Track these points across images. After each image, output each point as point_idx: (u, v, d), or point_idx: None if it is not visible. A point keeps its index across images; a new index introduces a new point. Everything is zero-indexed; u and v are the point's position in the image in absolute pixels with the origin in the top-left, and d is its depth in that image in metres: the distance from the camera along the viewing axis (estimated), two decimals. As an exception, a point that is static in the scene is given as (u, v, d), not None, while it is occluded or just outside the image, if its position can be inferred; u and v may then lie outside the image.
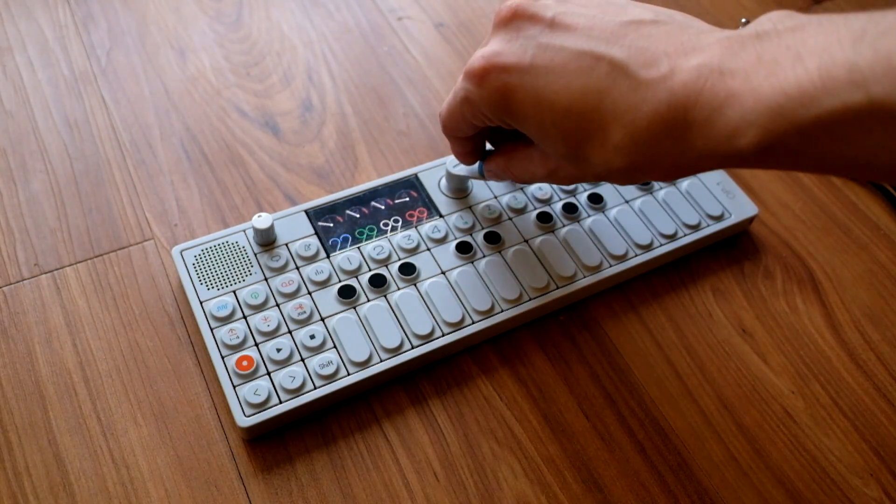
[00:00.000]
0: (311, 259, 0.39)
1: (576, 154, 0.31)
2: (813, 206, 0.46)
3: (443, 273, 0.40)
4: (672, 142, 0.28)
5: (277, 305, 0.38)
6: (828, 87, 0.23)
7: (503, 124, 0.33)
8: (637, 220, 0.42)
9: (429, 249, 0.40)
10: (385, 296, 0.39)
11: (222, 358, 0.36)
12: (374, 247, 0.40)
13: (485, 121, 0.34)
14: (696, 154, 0.27)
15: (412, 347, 0.37)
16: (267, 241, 0.40)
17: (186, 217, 0.43)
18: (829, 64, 0.23)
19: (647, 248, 0.42)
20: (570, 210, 0.42)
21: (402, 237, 0.41)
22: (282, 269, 0.39)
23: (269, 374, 0.36)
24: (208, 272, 0.39)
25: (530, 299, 0.39)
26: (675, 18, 0.30)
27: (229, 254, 0.39)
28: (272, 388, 0.35)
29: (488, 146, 0.39)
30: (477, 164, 0.39)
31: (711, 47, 0.27)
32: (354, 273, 0.39)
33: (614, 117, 0.29)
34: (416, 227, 0.41)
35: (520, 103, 0.31)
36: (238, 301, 0.38)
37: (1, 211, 0.43)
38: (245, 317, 0.37)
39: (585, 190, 0.44)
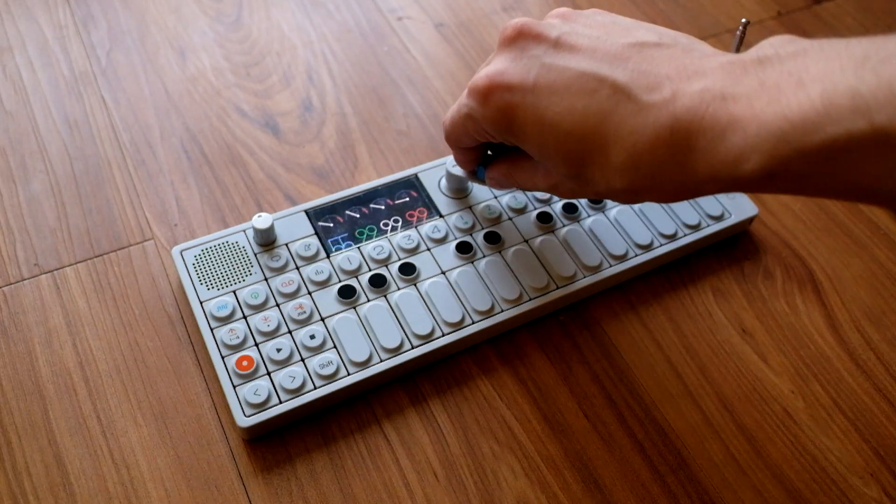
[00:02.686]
0: (311, 259, 0.39)
1: (577, 174, 0.31)
2: (813, 206, 0.46)
3: (443, 273, 0.40)
4: (674, 166, 0.28)
5: (277, 305, 0.38)
6: (831, 114, 0.23)
7: (505, 141, 0.33)
8: (637, 220, 0.42)
9: (429, 249, 0.40)
10: (385, 296, 0.39)
11: (222, 358, 0.36)
12: (374, 247, 0.40)
13: (487, 137, 0.34)
14: (698, 178, 0.27)
15: (412, 347, 0.37)
16: (267, 241, 0.40)
17: (186, 217, 0.43)
18: (832, 90, 0.23)
19: (647, 248, 0.42)
20: (570, 210, 0.42)
21: (402, 237, 0.41)
22: (282, 269, 0.39)
23: (269, 374, 0.36)
24: (208, 272, 0.39)
25: (530, 299, 0.39)
26: (679, 41, 0.30)
27: (229, 254, 0.39)
28: (272, 388, 0.35)
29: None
30: (478, 169, 0.39)
31: (714, 72, 0.27)
32: (354, 273, 0.39)
33: (616, 139, 0.29)
34: (416, 227, 0.41)
35: (522, 123, 0.31)
36: (238, 301, 0.38)
37: (1, 211, 0.43)
38: (245, 317, 0.37)
39: (585, 190, 0.44)
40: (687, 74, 0.28)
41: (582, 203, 0.43)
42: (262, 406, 0.35)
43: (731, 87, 0.26)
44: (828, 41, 0.25)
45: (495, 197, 0.43)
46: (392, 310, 0.38)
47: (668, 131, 0.27)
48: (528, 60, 0.31)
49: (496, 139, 0.34)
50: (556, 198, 0.43)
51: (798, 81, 0.24)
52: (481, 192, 0.43)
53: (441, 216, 0.42)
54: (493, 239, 0.41)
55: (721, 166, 0.26)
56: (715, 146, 0.26)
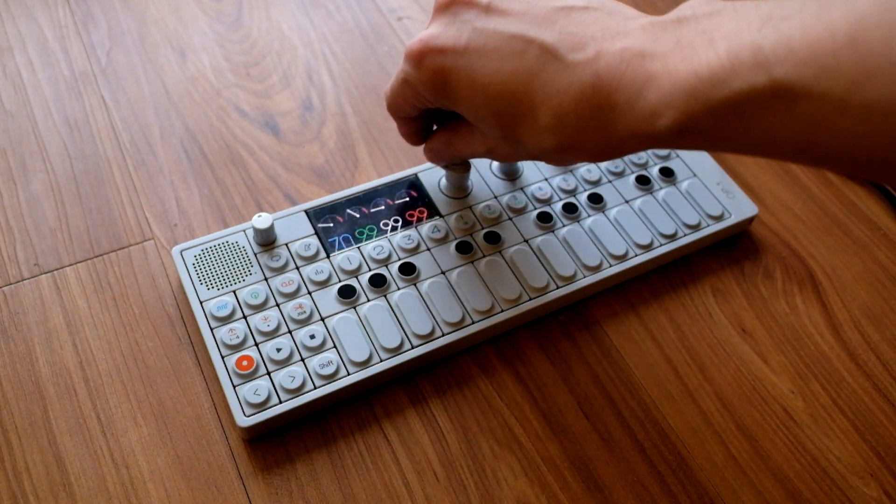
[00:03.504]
0: (311, 259, 0.39)
1: (509, 135, 0.32)
2: (813, 206, 0.46)
3: (443, 273, 0.40)
4: (597, 123, 0.29)
5: (277, 305, 0.38)
6: (735, 68, 0.24)
7: (441, 106, 0.34)
8: (637, 220, 0.42)
9: (429, 249, 0.40)
10: (385, 296, 0.39)
11: (222, 358, 0.36)
12: (374, 247, 0.40)
13: (424, 102, 0.35)
14: (619, 135, 0.28)
15: (412, 347, 0.37)
16: (267, 241, 0.40)
17: (186, 217, 0.43)
18: (737, 47, 0.24)
19: (647, 248, 0.42)
20: (570, 210, 0.42)
21: (402, 237, 0.41)
22: (282, 269, 0.39)
23: (269, 373, 0.36)
24: (208, 272, 0.39)
25: (530, 299, 0.39)
26: (605, 5, 0.31)
27: (229, 254, 0.39)
28: (272, 388, 0.35)
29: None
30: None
31: (635, 32, 0.28)
32: (354, 273, 0.39)
33: (543, 99, 0.30)
34: (416, 227, 0.41)
35: (454, 85, 0.32)
36: (238, 301, 0.38)
37: (1, 211, 0.43)
38: (245, 317, 0.37)
39: (585, 190, 0.44)
40: (611, 35, 0.29)
41: (582, 203, 0.43)
42: (262, 406, 0.35)
43: (649, 45, 0.27)
44: (742, 3, 0.26)
45: (495, 197, 0.43)
46: (392, 310, 0.38)
47: (590, 89, 0.28)
48: (461, 24, 0.32)
49: (432, 104, 0.34)
50: (556, 198, 0.43)
51: (710, 39, 0.26)
52: (481, 192, 0.43)
53: (441, 216, 0.42)
54: (493, 239, 0.41)
55: (638, 122, 0.27)
56: (633, 103, 0.27)
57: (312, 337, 0.37)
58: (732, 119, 0.25)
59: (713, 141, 0.27)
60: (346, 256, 0.40)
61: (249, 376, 0.35)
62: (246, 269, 0.39)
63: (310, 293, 0.38)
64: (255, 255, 0.39)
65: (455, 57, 0.32)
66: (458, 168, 0.41)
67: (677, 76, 0.26)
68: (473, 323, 0.38)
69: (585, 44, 0.29)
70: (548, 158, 0.33)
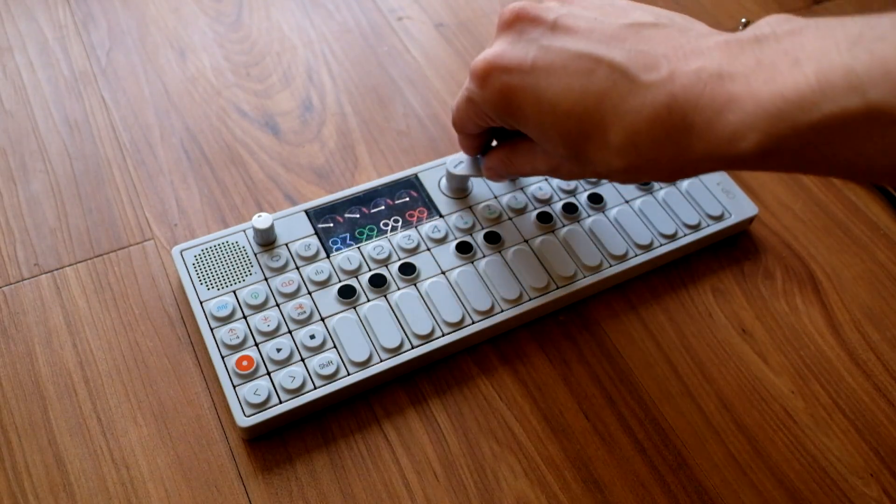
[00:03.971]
0: (311, 259, 0.39)
1: (576, 154, 0.31)
2: (813, 206, 0.46)
3: (443, 273, 0.40)
4: (672, 144, 0.28)
5: (277, 305, 0.38)
6: (826, 91, 0.23)
7: (506, 125, 0.34)
8: (637, 220, 0.42)
9: (429, 249, 0.40)
10: (385, 296, 0.39)
11: (222, 358, 0.36)
12: (374, 247, 0.40)
13: (488, 121, 0.34)
14: (696, 157, 0.27)
15: (412, 347, 0.37)
16: (267, 241, 0.40)
17: (186, 217, 0.43)
18: (827, 68, 0.24)
19: (647, 248, 0.42)
20: (570, 210, 0.42)
21: (402, 237, 0.41)
22: (282, 269, 0.39)
23: (269, 374, 0.36)
24: (208, 272, 0.39)
25: (530, 299, 0.39)
26: (675, 21, 0.30)
27: (229, 254, 0.39)
28: (272, 388, 0.35)
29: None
30: (477, 160, 0.40)
31: (711, 51, 0.27)
32: (354, 273, 0.39)
33: (614, 119, 0.29)
34: (416, 227, 0.41)
35: (521, 104, 0.31)
36: (238, 301, 0.38)
37: (1, 211, 0.43)
38: (245, 317, 0.37)
39: (585, 190, 0.44)
40: (684, 53, 0.28)
41: (582, 203, 0.43)
42: (262, 406, 0.35)
43: (727, 65, 0.26)
44: (824, 20, 0.25)
45: (495, 197, 0.43)
46: (392, 310, 0.38)
47: (665, 110, 0.27)
48: (526, 43, 0.31)
49: (497, 122, 0.34)
50: (556, 198, 0.43)
51: (794, 60, 0.25)
52: (481, 192, 0.43)
53: (441, 216, 0.42)
54: (493, 239, 0.41)
55: (718, 144, 0.26)
56: (712, 124, 0.26)
57: (312, 337, 0.37)
58: (821, 142, 0.24)
59: (797, 163, 0.26)
60: (346, 256, 0.40)
61: (249, 376, 0.35)
62: (246, 269, 0.39)
63: (310, 293, 0.38)
64: (255, 255, 0.39)
65: (521, 76, 0.31)
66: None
67: (760, 97, 0.25)
68: (473, 323, 0.38)
69: (658, 63, 0.28)
70: (616, 178, 0.32)
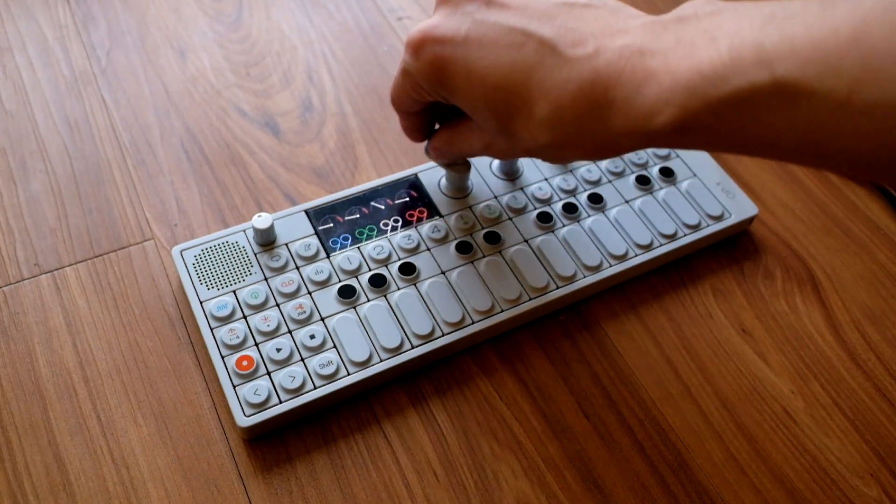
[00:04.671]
0: (311, 259, 0.39)
1: (505, 128, 0.32)
2: (813, 206, 0.46)
3: (443, 273, 0.40)
4: (594, 119, 0.29)
5: (277, 305, 0.38)
6: (737, 66, 0.24)
7: (439, 98, 0.34)
8: (637, 220, 0.42)
9: (429, 249, 0.40)
10: (385, 296, 0.39)
11: (222, 358, 0.36)
12: (374, 247, 0.40)
13: (422, 94, 0.35)
14: (616, 132, 0.28)
15: (412, 347, 0.37)
16: (267, 241, 0.40)
17: (186, 217, 0.43)
18: (739, 45, 0.24)
19: (647, 248, 0.42)
20: (570, 210, 0.42)
21: (402, 237, 0.41)
22: (282, 269, 0.39)
23: (269, 373, 0.36)
24: (208, 272, 0.39)
25: (530, 299, 0.39)
26: (607, 3, 0.31)
27: (229, 254, 0.39)
28: (272, 388, 0.35)
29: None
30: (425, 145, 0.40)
31: (636, 30, 0.28)
32: (354, 273, 0.39)
33: (540, 93, 0.30)
34: (416, 227, 0.41)
35: (452, 75, 0.32)
36: (238, 301, 0.38)
37: (1, 211, 0.43)
38: (245, 317, 0.37)
39: (585, 190, 0.44)
40: (611, 32, 0.29)
41: (582, 203, 0.43)
42: (262, 406, 0.35)
43: (649, 43, 0.27)
44: (743, 3, 0.26)
45: (495, 197, 0.43)
46: (392, 310, 0.38)
47: (589, 85, 0.28)
48: (461, 16, 0.32)
49: (431, 95, 0.34)
50: (556, 198, 0.43)
51: (711, 38, 0.26)
52: (481, 192, 0.43)
53: (441, 216, 0.42)
54: (493, 239, 0.41)
55: (636, 119, 0.27)
56: (631, 99, 0.27)
57: (312, 337, 0.37)
58: (733, 117, 0.25)
59: (712, 139, 0.27)
60: (346, 256, 0.40)
61: (249, 376, 0.35)
62: (246, 269, 0.39)
63: (310, 293, 0.38)
64: (255, 255, 0.39)
65: (454, 47, 0.32)
66: (458, 168, 0.41)
67: (677, 73, 0.26)
68: (473, 323, 0.38)
69: (585, 40, 0.29)
70: (543, 154, 0.33)
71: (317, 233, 0.41)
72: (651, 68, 0.27)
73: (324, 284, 0.39)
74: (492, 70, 0.31)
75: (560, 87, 0.29)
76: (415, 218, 0.42)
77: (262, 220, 0.39)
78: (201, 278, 0.39)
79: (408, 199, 0.42)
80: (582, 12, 0.30)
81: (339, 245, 0.40)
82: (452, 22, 0.32)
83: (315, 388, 0.35)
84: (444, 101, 0.34)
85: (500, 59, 0.30)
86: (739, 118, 0.25)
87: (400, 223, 0.41)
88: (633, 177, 0.44)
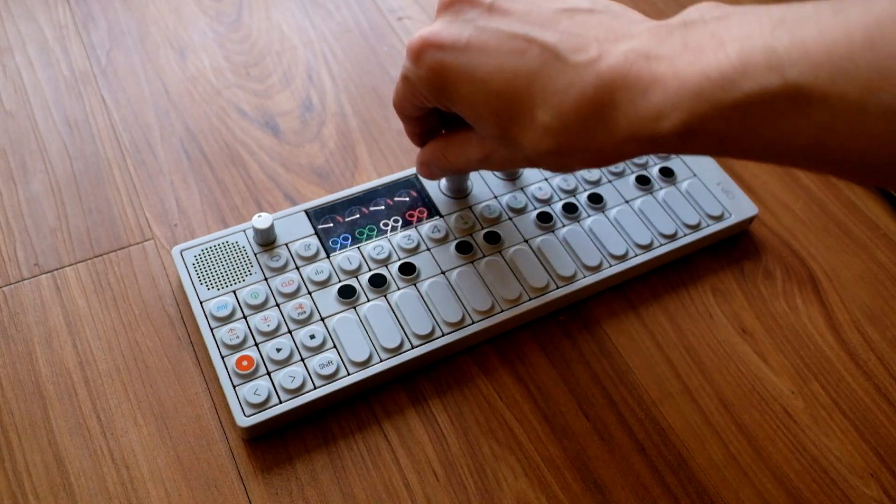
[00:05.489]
0: (311, 259, 0.39)
1: (506, 135, 0.32)
2: (813, 206, 0.46)
3: (443, 273, 0.40)
4: (598, 124, 0.28)
5: (277, 305, 0.38)
6: (747, 70, 0.24)
7: (440, 105, 0.34)
8: (637, 220, 0.42)
9: (429, 249, 0.40)
10: (385, 296, 0.39)
11: (222, 358, 0.36)
12: (374, 247, 0.40)
13: (423, 100, 0.35)
14: (620, 137, 0.28)
15: (412, 347, 0.37)
16: (267, 241, 0.40)
17: (186, 217, 0.43)
18: (749, 49, 0.24)
19: (647, 248, 0.42)
20: (570, 210, 0.42)
21: (402, 237, 0.41)
22: (282, 269, 0.39)
23: (269, 374, 0.36)
24: (208, 272, 0.39)
25: (530, 299, 0.39)
26: (610, 8, 0.31)
27: (229, 254, 0.39)
28: (272, 388, 0.35)
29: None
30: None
31: (641, 35, 0.28)
32: (354, 273, 0.39)
33: (543, 99, 0.29)
34: (416, 227, 0.41)
35: (454, 82, 0.32)
36: (238, 301, 0.38)
37: (1, 211, 0.43)
38: (245, 317, 0.37)
39: (585, 190, 0.44)
40: (615, 37, 0.28)
41: (582, 203, 0.43)
42: (262, 406, 0.35)
43: (655, 47, 0.27)
44: (752, 7, 0.26)
45: (495, 197, 0.43)
46: (392, 310, 0.38)
47: (592, 90, 0.28)
48: (463, 23, 0.32)
49: (431, 102, 0.34)
50: (556, 198, 0.43)
51: (719, 42, 0.25)
52: (481, 192, 0.43)
53: (441, 216, 0.42)
54: (493, 239, 0.41)
55: (642, 123, 0.27)
56: (636, 103, 0.27)
57: (312, 337, 0.37)
58: (742, 122, 0.24)
59: (719, 145, 0.26)
60: (346, 256, 0.40)
61: (249, 376, 0.35)
62: (246, 269, 0.39)
63: (310, 293, 0.38)
64: (255, 255, 0.39)
65: (455, 54, 0.31)
66: (453, 179, 0.41)
67: (684, 77, 0.25)
68: (473, 323, 0.38)
69: (588, 45, 0.29)
70: (545, 162, 0.32)
71: (317, 233, 0.41)
72: (657, 72, 0.26)
73: (324, 284, 0.39)
74: (494, 76, 0.30)
75: (563, 92, 0.29)
76: (415, 218, 0.42)
77: (262, 220, 0.39)
78: (201, 278, 0.39)
79: (408, 199, 0.42)
80: (585, 18, 0.30)
81: (339, 245, 0.40)
82: (454, 28, 0.32)
83: (315, 388, 0.35)
84: (444, 108, 0.34)
85: (503, 66, 0.30)
86: (749, 123, 0.24)
87: (400, 223, 0.41)
88: (633, 177, 0.44)
